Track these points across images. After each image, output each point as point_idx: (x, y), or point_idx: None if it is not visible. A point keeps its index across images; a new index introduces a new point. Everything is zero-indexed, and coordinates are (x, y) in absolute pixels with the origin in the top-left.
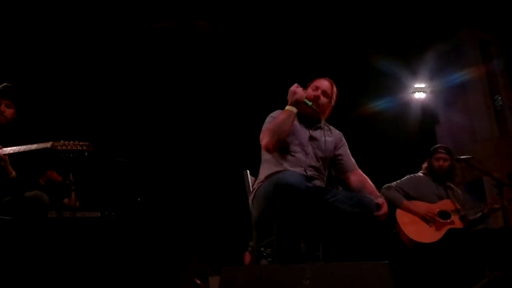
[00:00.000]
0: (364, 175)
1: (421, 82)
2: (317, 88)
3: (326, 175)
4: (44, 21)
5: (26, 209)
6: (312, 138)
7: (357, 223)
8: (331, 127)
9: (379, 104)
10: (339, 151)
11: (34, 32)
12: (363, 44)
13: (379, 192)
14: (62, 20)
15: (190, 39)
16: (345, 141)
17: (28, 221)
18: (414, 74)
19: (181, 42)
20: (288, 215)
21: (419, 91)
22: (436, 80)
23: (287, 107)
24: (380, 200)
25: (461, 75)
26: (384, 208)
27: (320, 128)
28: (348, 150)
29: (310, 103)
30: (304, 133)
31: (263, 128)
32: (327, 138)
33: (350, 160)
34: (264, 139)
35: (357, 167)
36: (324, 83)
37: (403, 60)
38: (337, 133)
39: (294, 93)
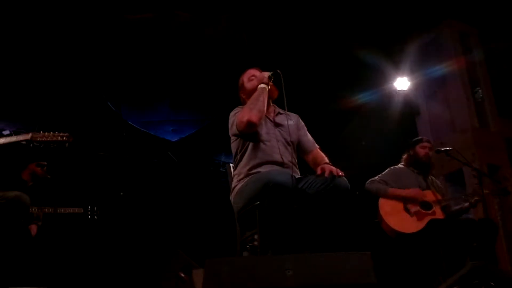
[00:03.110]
0: (321, 152)
1: (402, 74)
2: (254, 76)
3: (296, 159)
4: (21, 11)
5: (7, 210)
6: (277, 125)
7: (326, 202)
8: (287, 112)
9: (360, 97)
10: (300, 133)
11: (13, 24)
12: (343, 36)
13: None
14: (40, 9)
15: (171, 30)
16: (303, 123)
17: (9, 222)
18: (395, 66)
19: (162, 33)
20: (274, 211)
21: (400, 83)
22: (416, 72)
23: (259, 86)
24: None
25: (441, 67)
26: (329, 168)
27: (280, 113)
28: (306, 131)
29: (271, 74)
30: (268, 121)
31: (236, 116)
32: (289, 122)
33: (309, 141)
34: (245, 115)
35: (316, 147)
36: (255, 71)
37: (384, 52)
38: (295, 116)
39: (261, 76)
